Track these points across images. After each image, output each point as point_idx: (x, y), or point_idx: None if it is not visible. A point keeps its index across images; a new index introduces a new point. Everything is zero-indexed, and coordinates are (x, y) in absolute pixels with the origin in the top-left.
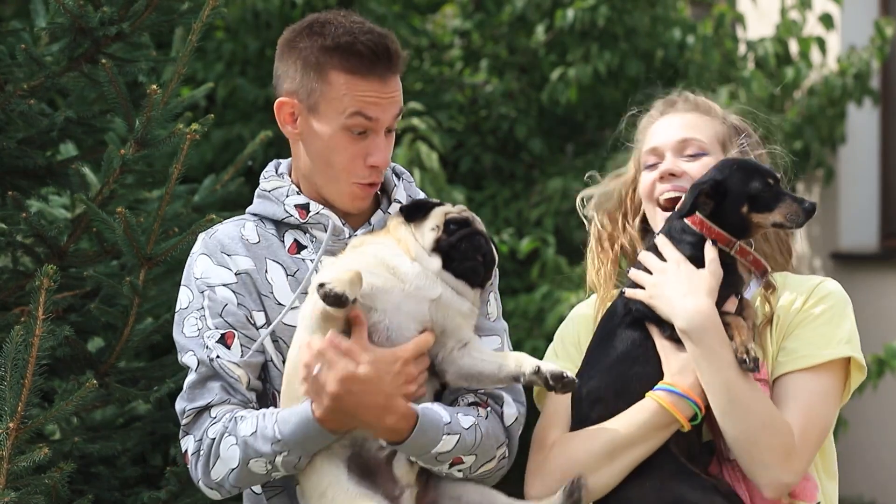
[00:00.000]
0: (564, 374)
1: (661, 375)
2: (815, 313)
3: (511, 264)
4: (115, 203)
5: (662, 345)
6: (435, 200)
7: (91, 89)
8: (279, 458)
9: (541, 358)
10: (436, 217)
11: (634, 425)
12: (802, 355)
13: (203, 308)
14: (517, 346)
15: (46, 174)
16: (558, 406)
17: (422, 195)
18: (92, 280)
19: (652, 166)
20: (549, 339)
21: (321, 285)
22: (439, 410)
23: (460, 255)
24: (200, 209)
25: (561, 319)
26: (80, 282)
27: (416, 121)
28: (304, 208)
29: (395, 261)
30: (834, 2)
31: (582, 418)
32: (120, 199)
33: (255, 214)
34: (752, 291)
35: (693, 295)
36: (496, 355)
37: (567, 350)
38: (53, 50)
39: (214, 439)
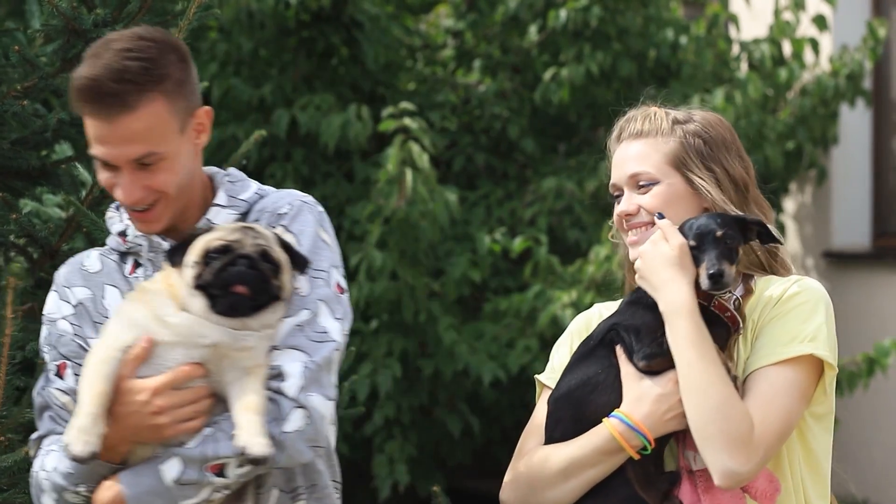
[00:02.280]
0: (258, 457)
1: (619, 403)
2: (784, 310)
3: (503, 263)
4: (107, 203)
5: (627, 371)
6: (203, 229)
7: None
8: (82, 488)
9: (543, 363)
10: (195, 250)
11: (588, 448)
12: (766, 353)
13: (47, 342)
14: (509, 346)
15: (40, 175)
16: (539, 415)
17: (252, 189)
18: None
19: (617, 198)
20: (542, 339)
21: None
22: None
23: (220, 290)
24: None
25: (553, 319)
26: None
27: (407, 121)
28: (123, 234)
29: (162, 311)
30: (827, 2)
31: (549, 435)
32: (111, 198)
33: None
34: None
35: (675, 281)
36: (241, 406)
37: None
38: (47, 51)
39: (37, 472)
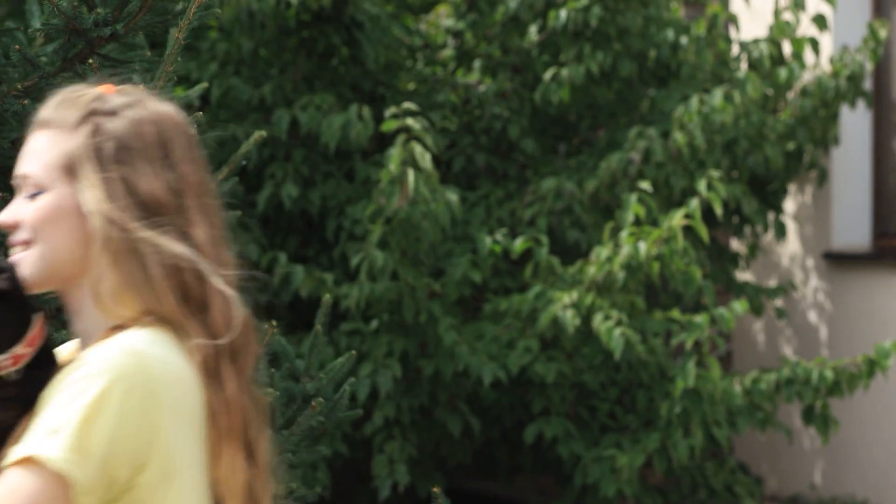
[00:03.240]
0: None
1: None
2: (59, 388)
3: (503, 264)
4: None
5: None
6: None
7: None
8: None
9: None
10: None
11: None
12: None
13: None
14: (510, 346)
15: None
16: None
17: None
18: None
19: None
20: (542, 339)
21: None
22: None
23: None
24: None
25: (554, 320)
26: None
27: (410, 121)
28: None
29: None
30: (827, 2)
31: None
32: None
33: None
34: None
35: None
36: None
37: None
38: (48, 51)
39: None
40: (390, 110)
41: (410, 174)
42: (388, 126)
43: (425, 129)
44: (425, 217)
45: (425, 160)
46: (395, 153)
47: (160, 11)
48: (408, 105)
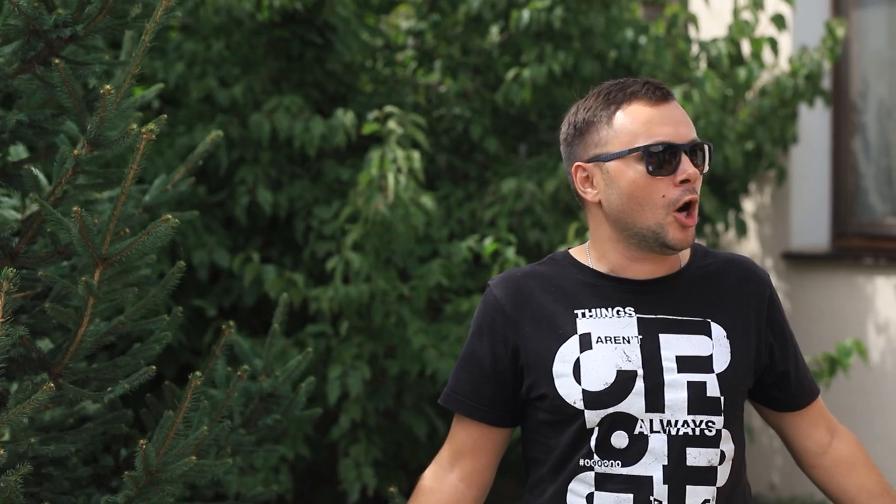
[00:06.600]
0: None
1: None
2: None
3: (466, 265)
4: (66, 204)
5: None
6: None
7: (43, 91)
8: None
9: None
10: None
11: None
12: None
13: None
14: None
15: (1, 175)
16: None
17: None
18: (48, 280)
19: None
20: None
21: None
22: None
23: None
24: (151, 209)
25: None
26: (33, 283)
27: (392, 124)
28: None
29: None
30: (786, 2)
31: None
32: (71, 199)
33: None
34: None
35: None
36: None
37: None
38: (6, 51)
39: None
40: (373, 113)
41: (391, 177)
42: (370, 128)
43: (417, 127)
44: (402, 220)
45: (414, 160)
46: (376, 156)
47: (120, 14)
48: (390, 108)
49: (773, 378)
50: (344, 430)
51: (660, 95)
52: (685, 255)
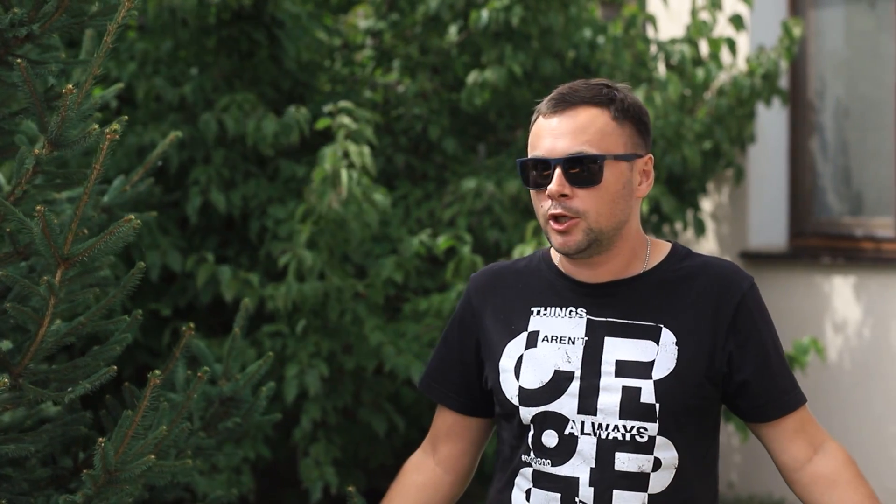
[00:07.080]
0: None
1: None
2: None
3: (422, 264)
4: (25, 203)
5: None
6: None
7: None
8: None
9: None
10: None
11: None
12: None
13: None
14: (431, 346)
15: None
16: None
17: None
18: (8, 280)
19: None
20: None
21: None
22: None
23: None
24: (109, 210)
25: None
26: None
27: (346, 120)
28: None
29: None
30: (744, 2)
31: None
32: (30, 199)
33: None
34: None
35: None
36: None
37: None
38: None
39: None
40: (328, 107)
41: (344, 173)
42: (324, 123)
43: (367, 122)
44: (355, 217)
45: (365, 155)
46: (329, 152)
47: (76, 12)
48: (344, 104)
49: (732, 387)
50: (306, 431)
51: (552, 107)
52: (655, 258)
